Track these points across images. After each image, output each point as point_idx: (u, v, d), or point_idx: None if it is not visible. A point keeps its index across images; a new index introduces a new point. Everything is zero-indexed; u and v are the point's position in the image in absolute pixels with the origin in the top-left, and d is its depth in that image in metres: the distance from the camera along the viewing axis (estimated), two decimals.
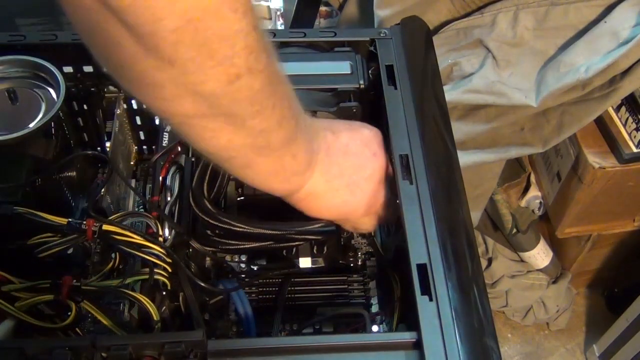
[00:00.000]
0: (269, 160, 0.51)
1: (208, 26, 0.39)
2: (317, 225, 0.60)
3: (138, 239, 0.58)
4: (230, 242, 0.61)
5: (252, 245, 0.61)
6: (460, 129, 1.14)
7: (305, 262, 0.67)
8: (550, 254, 1.53)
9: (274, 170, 0.52)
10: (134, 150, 0.80)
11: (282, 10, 1.49)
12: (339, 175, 0.57)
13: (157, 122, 0.75)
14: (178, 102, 0.43)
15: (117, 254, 0.59)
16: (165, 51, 0.39)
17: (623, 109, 1.20)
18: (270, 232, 0.60)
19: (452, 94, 1.10)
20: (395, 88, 0.64)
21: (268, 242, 0.62)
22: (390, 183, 0.60)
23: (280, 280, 0.68)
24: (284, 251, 0.68)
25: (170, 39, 0.38)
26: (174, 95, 0.43)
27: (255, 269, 0.69)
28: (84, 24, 0.40)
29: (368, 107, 0.66)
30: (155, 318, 0.55)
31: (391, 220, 0.63)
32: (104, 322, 0.54)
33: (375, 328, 0.62)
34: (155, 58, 0.40)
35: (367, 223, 0.62)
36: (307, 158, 0.54)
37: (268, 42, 0.45)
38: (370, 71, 0.67)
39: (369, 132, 0.61)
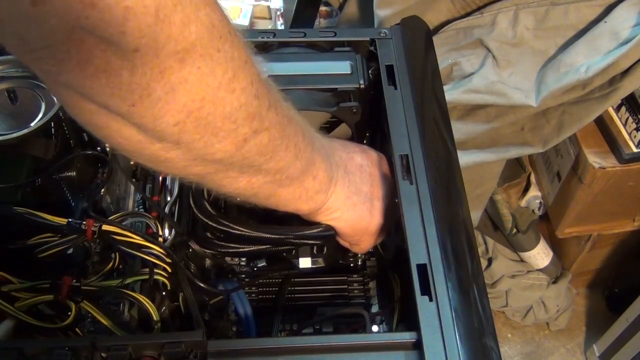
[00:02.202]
0: (291, 188, 0.53)
1: (208, 112, 0.40)
2: (315, 230, 0.60)
3: (138, 239, 0.58)
4: (229, 244, 0.61)
5: (251, 248, 0.62)
6: (460, 129, 1.14)
7: (305, 263, 0.67)
8: (550, 254, 1.53)
9: (297, 195, 0.54)
10: None
11: (282, 10, 1.49)
12: (357, 192, 0.59)
13: None
14: (189, 169, 0.45)
15: (117, 254, 0.59)
16: (171, 139, 0.41)
17: (623, 109, 1.20)
18: (269, 236, 0.60)
19: (452, 94, 1.10)
20: (395, 88, 0.64)
21: (267, 246, 0.62)
22: (396, 209, 0.60)
23: (280, 280, 0.68)
24: (284, 252, 0.68)
25: (174, 130, 0.40)
26: (185, 166, 0.44)
27: (255, 269, 0.69)
28: (90, 124, 0.42)
29: (368, 107, 0.66)
30: (155, 318, 0.55)
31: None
32: (104, 322, 0.54)
33: (375, 328, 0.62)
34: (162, 144, 0.41)
35: (370, 243, 0.63)
36: (328, 176, 0.55)
37: (270, 91, 0.46)
38: (370, 71, 0.67)
39: (377, 155, 0.63)
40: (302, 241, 0.62)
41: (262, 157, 0.47)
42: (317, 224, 0.60)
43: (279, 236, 0.61)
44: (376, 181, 0.61)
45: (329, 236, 0.61)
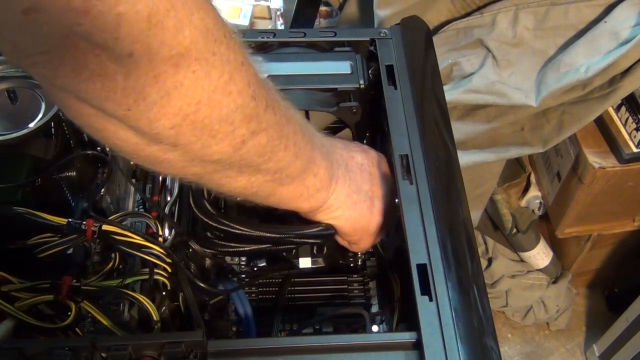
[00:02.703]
0: (291, 187, 0.53)
1: (205, 115, 0.40)
2: (316, 229, 0.60)
3: (138, 239, 0.58)
4: (229, 244, 0.61)
5: (251, 247, 0.61)
6: (460, 129, 1.14)
7: (305, 262, 0.67)
8: (550, 254, 1.53)
9: (298, 193, 0.54)
10: None
11: (282, 10, 1.49)
12: (357, 190, 0.59)
13: None
14: (188, 169, 0.45)
15: (117, 254, 0.59)
16: (168, 141, 0.41)
17: (623, 109, 1.20)
18: (269, 235, 0.60)
19: (452, 94, 1.10)
20: (395, 88, 0.64)
21: (267, 245, 0.62)
22: (396, 209, 0.60)
23: (280, 280, 0.68)
24: (284, 252, 0.68)
25: (170, 133, 0.40)
26: (183, 166, 0.44)
27: (255, 269, 0.69)
28: (88, 127, 0.42)
29: (368, 107, 0.66)
30: (155, 318, 0.55)
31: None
32: (104, 322, 0.54)
33: (375, 328, 0.62)
34: (159, 146, 0.41)
35: (370, 242, 0.63)
36: (329, 174, 0.55)
37: (267, 92, 0.45)
38: (370, 71, 0.67)
39: (377, 155, 0.63)
40: (302, 240, 0.61)
41: (260, 158, 0.47)
42: (317, 223, 0.60)
43: (279, 235, 0.61)
44: (376, 180, 0.61)
45: (329, 235, 0.61)
